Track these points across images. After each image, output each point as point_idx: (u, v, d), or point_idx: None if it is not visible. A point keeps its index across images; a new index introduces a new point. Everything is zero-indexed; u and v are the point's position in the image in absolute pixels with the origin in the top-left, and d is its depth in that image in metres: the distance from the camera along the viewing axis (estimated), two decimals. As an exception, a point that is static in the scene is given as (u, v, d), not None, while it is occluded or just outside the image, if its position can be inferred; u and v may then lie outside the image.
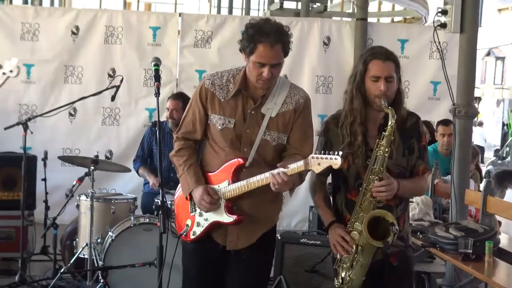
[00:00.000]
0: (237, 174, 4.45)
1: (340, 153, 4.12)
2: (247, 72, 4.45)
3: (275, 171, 4.24)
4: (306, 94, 4.61)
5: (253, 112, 4.47)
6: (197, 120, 4.58)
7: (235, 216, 4.47)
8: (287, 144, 4.53)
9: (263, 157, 4.47)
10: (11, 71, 6.35)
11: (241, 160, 4.43)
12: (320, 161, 4.16)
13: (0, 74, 6.26)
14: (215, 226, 4.54)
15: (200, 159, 4.67)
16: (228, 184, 4.46)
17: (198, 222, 4.59)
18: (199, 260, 4.66)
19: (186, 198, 4.61)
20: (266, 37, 4.29)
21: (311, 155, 4.19)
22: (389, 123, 4.21)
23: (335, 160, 4.13)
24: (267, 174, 4.29)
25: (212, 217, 4.53)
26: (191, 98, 4.70)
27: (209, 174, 4.57)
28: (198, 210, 4.58)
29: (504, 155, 23.20)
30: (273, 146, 4.49)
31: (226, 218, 4.48)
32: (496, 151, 25.05)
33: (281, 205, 4.79)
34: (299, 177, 4.39)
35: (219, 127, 4.49)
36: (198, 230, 4.59)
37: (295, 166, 4.23)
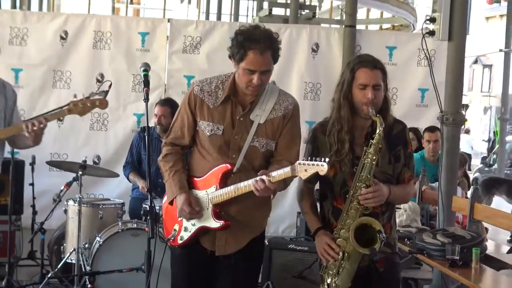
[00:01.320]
0: (225, 180, 4.45)
1: (327, 159, 4.13)
2: (237, 78, 4.46)
3: (260, 177, 4.25)
4: (295, 101, 4.62)
5: (241, 118, 4.48)
6: (185, 126, 4.59)
7: (222, 221, 4.47)
8: (275, 151, 4.54)
9: (251, 163, 4.48)
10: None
11: (228, 166, 4.44)
12: (306, 167, 4.16)
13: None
14: (203, 231, 4.54)
15: (188, 165, 4.67)
16: (216, 189, 4.47)
17: (185, 227, 4.59)
18: (187, 265, 4.66)
19: (171, 203, 4.62)
20: (256, 43, 4.30)
21: (298, 162, 4.20)
22: (377, 131, 4.22)
23: (322, 167, 4.13)
24: (253, 180, 4.29)
25: (199, 222, 4.53)
26: (180, 104, 4.71)
27: (197, 179, 4.57)
28: None
29: (491, 162, 23.27)
30: (261, 152, 4.50)
31: (214, 223, 4.49)
32: (483, 158, 25.12)
33: (270, 211, 4.80)
34: (284, 182, 4.39)
35: (208, 134, 4.50)
36: (186, 235, 4.59)
37: (282, 172, 4.23)
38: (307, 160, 4.19)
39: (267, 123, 4.49)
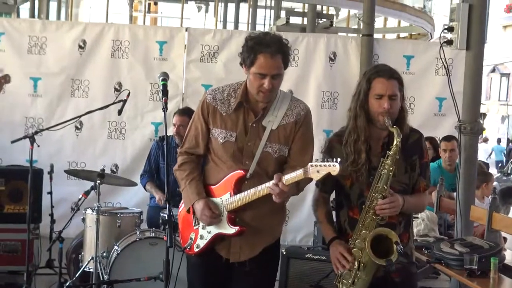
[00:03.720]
0: (239, 186, 4.47)
1: (339, 159, 4.12)
2: (248, 84, 4.48)
3: (274, 181, 4.26)
4: (306, 107, 4.63)
5: (254, 125, 4.50)
6: (199, 135, 4.61)
7: (238, 227, 4.48)
8: (288, 156, 4.55)
9: (264, 169, 4.48)
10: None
11: (242, 172, 4.45)
12: (319, 169, 4.16)
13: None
14: (218, 238, 4.55)
15: (203, 174, 4.69)
16: (230, 196, 4.48)
17: (201, 235, 4.61)
18: (203, 273, 4.67)
19: (188, 211, 4.64)
20: (266, 47, 4.33)
21: (310, 163, 4.19)
22: (395, 142, 4.22)
23: (334, 167, 4.13)
24: (268, 184, 4.30)
25: (215, 229, 4.55)
26: (194, 113, 4.73)
27: (212, 187, 4.59)
28: (201, 223, 4.60)
29: (508, 171, 23.17)
30: (274, 158, 4.50)
31: (229, 229, 4.50)
32: (501, 167, 25.03)
33: (284, 217, 4.82)
34: (296, 186, 4.40)
35: (221, 141, 4.52)
36: (202, 243, 4.60)
37: (295, 175, 4.24)
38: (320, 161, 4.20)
39: (280, 129, 4.51)
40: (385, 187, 4.21)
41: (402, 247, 4.17)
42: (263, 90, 4.37)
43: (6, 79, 6.57)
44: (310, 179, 4.28)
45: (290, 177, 4.24)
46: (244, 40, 4.47)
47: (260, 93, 4.40)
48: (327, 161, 4.15)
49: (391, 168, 4.21)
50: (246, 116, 4.51)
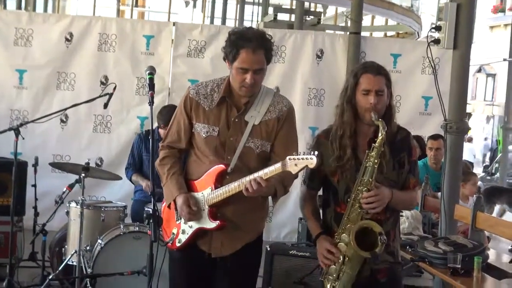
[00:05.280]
0: (220, 180, 4.47)
1: (316, 152, 4.12)
2: (231, 79, 4.50)
3: (252, 176, 4.27)
4: (289, 103, 4.64)
5: (236, 120, 4.50)
6: (182, 129, 4.62)
7: (218, 221, 4.48)
8: (272, 153, 4.55)
9: (246, 164, 4.48)
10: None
11: (223, 166, 4.46)
12: (296, 162, 4.16)
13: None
14: (200, 233, 4.55)
15: (185, 168, 4.70)
16: (211, 190, 4.48)
17: (183, 229, 4.61)
18: (186, 268, 4.67)
19: (169, 206, 4.64)
20: (249, 42, 4.34)
21: (288, 157, 4.19)
22: (379, 134, 4.21)
23: (311, 160, 4.12)
24: (246, 179, 4.29)
25: (196, 224, 4.55)
26: (177, 108, 4.73)
27: (193, 181, 4.59)
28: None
29: (493, 171, 23.25)
30: (256, 153, 4.50)
31: (209, 223, 4.50)
32: (486, 167, 25.10)
33: (267, 214, 4.84)
34: (283, 187, 4.43)
35: (203, 136, 4.52)
36: (184, 238, 4.60)
37: (273, 169, 4.24)
38: (298, 155, 4.20)
39: (262, 125, 4.51)
40: (370, 180, 4.20)
41: (385, 238, 4.17)
42: (246, 85, 4.39)
43: None
44: (294, 177, 4.29)
45: (268, 171, 4.25)
46: (228, 34, 4.49)
47: (243, 88, 4.42)
48: (305, 154, 4.16)
49: (376, 161, 4.20)
50: (228, 111, 4.52)
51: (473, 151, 29.41)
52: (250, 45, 4.33)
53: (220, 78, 4.62)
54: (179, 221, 4.62)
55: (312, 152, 4.14)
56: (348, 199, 4.29)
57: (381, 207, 4.23)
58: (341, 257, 4.27)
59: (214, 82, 4.61)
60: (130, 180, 7.98)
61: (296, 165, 4.17)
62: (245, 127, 4.49)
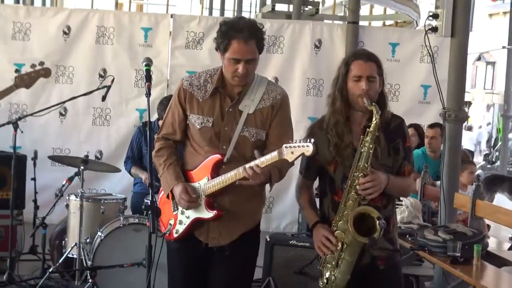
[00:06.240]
0: (216, 170, 4.47)
1: (312, 140, 4.13)
2: (223, 69, 4.50)
3: (248, 164, 4.27)
4: (283, 91, 4.65)
5: (231, 109, 4.51)
6: (176, 121, 4.63)
7: (215, 211, 4.49)
8: (267, 141, 4.55)
9: (242, 153, 4.48)
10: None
11: (219, 156, 4.46)
12: (293, 150, 4.17)
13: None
14: (197, 223, 4.56)
15: (182, 160, 4.70)
16: (208, 180, 4.49)
17: (180, 220, 4.62)
18: (183, 258, 4.68)
19: (167, 196, 4.64)
20: (240, 32, 4.34)
21: (284, 145, 4.20)
22: (373, 119, 4.21)
23: (307, 147, 4.14)
24: (242, 168, 4.30)
25: (193, 214, 4.55)
26: (171, 100, 4.73)
27: (190, 172, 4.60)
28: (180, 209, 4.61)
29: (493, 159, 23.25)
30: (252, 142, 4.50)
31: (206, 213, 4.51)
32: (486, 155, 25.11)
33: (263, 202, 4.83)
34: (278, 173, 4.42)
35: (198, 126, 4.53)
36: (181, 228, 4.61)
37: (270, 157, 4.25)
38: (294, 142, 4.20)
39: (256, 113, 4.51)
40: (366, 165, 4.20)
41: (384, 222, 4.17)
42: (238, 75, 4.39)
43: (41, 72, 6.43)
44: (291, 164, 4.29)
45: (265, 159, 4.25)
46: (219, 25, 4.48)
47: (235, 78, 4.42)
48: (300, 141, 4.17)
49: (371, 146, 4.20)
50: (222, 101, 4.52)
51: (473, 140, 29.45)
52: (241, 36, 4.33)
53: (213, 69, 4.63)
54: (176, 211, 4.62)
55: (308, 140, 4.14)
56: (345, 186, 4.29)
57: (378, 192, 4.23)
58: (340, 244, 4.27)
59: (207, 73, 4.61)
60: (129, 173, 7.97)
61: (292, 153, 4.18)
62: (239, 116, 4.49)
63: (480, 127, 34.87)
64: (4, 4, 14.39)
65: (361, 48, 4.57)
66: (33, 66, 6.30)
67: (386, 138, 4.35)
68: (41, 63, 6.07)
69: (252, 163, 4.27)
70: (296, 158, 4.21)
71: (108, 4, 20.34)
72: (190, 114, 4.56)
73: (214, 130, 4.50)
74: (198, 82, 4.57)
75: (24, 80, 6.22)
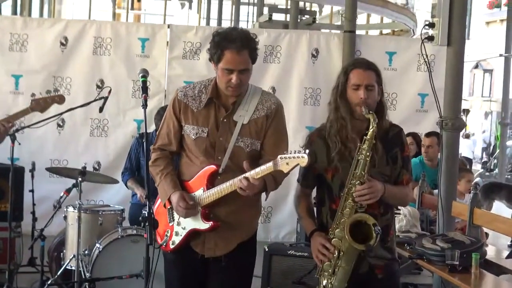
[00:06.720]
0: (212, 181, 4.49)
1: (307, 151, 4.14)
2: (217, 80, 4.51)
3: (243, 175, 4.28)
4: (278, 101, 4.65)
5: (225, 120, 4.52)
6: (171, 132, 4.64)
7: (211, 222, 4.49)
8: (262, 151, 4.56)
9: (237, 163, 4.48)
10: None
11: (214, 167, 4.47)
12: (288, 161, 4.18)
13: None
14: (193, 235, 4.56)
15: (178, 170, 4.70)
16: (203, 191, 4.50)
17: (176, 231, 4.62)
18: (180, 270, 4.68)
19: (165, 206, 4.64)
20: (232, 43, 4.36)
21: (279, 156, 4.21)
22: (370, 126, 4.23)
23: (302, 158, 4.15)
24: (237, 179, 4.31)
25: (189, 225, 4.56)
26: (166, 111, 4.74)
27: (186, 182, 4.61)
28: (176, 220, 4.61)
29: (491, 167, 23.25)
30: (247, 152, 4.51)
31: (203, 225, 4.51)
32: (484, 163, 25.10)
33: (259, 212, 4.82)
34: (274, 181, 4.44)
35: (193, 137, 4.54)
36: (177, 239, 4.61)
37: (265, 168, 4.26)
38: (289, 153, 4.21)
39: (251, 123, 4.52)
40: (363, 173, 4.21)
41: (380, 229, 4.18)
42: (231, 85, 4.41)
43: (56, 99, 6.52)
44: (286, 174, 4.29)
45: (260, 170, 4.27)
46: (212, 35, 4.50)
47: (229, 88, 4.43)
48: (295, 152, 4.17)
49: (368, 154, 4.22)
50: (217, 111, 4.53)
51: (472, 148, 29.44)
52: (234, 46, 4.34)
53: (208, 79, 4.64)
54: (172, 223, 4.63)
55: (303, 151, 4.15)
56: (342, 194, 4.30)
57: (374, 199, 4.24)
58: (336, 252, 4.28)
59: (201, 84, 4.62)
60: (126, 185, 7.96)
61: (287, 163, 4.19)
62: (234, 127, 4.50)
63: (473, 134, 34.89)
64: (1, 16, 14.47)
65: (360, 57, 4.58)
66: (48, 92, 6.56)
67: (385, 147, 4.37)
68: (56, 90, 6.31)
69: (247, 174, 4.28)
70: (292, 169, 4.21)
71: (105, 15, 20.38)
72: (185, 125, 4.57)
73: (209, 141, 4.51)
74: (192, 92, 4.58)
75: (40, 104, 6.38)
